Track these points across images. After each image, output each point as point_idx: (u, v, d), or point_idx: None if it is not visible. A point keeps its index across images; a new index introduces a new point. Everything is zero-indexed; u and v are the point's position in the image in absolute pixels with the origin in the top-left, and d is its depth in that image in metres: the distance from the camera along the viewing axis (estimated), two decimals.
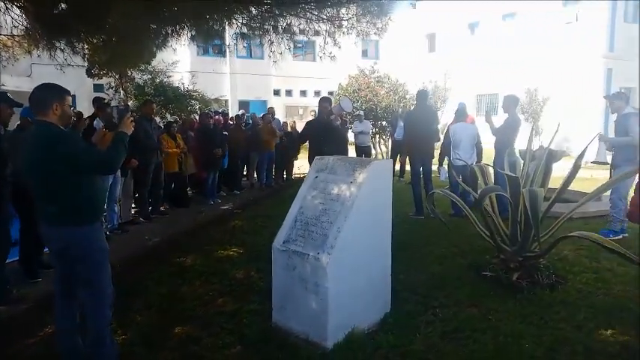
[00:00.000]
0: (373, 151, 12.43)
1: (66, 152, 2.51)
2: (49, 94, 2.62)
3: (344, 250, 3.09)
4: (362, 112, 11.61)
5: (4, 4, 6.18)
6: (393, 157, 11.14)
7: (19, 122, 4.42)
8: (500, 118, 6.91)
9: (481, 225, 4.58)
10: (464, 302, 3.79)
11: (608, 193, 5.55)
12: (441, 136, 8.91)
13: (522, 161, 5.01)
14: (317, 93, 25.48)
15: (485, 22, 21.11)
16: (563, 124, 5.35)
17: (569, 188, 4.58)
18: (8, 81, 19.49)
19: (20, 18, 6.74)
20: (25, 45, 7.70)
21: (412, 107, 7.17)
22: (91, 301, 2.67)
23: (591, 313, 3.56)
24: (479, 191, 4.69)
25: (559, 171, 5.61)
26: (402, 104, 12.77)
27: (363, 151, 11.27)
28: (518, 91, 15.81)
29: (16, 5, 6.30)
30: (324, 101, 5.69)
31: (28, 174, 2.65)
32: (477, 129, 7.36)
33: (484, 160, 8.54)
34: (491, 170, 5.25)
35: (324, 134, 5.30)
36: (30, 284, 4.23)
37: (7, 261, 4.06)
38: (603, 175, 8.39)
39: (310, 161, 5.88)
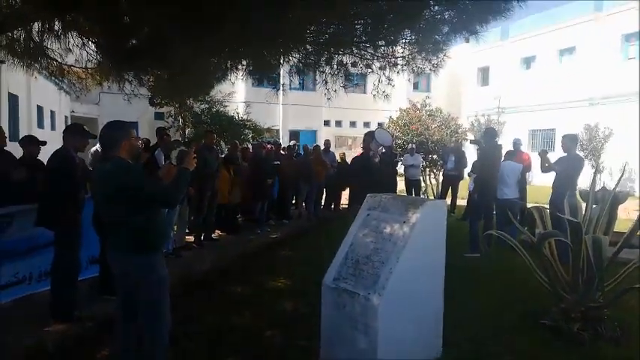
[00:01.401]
0: (423, 185, 12.26)
1: (131, 185, 2.67)
2: (118, 133, 2.84)
3: (395, 291, 3.04)
4: (413, 146, 11.54)
5: (82, 39, 6.70)
6: (444, 191, 10.95)
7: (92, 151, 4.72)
8: (556, 155, 6.74)
9: (539, 270, 4.38)
10: (520, 352, 3.61)
11: None
12: None
13: (583, 203, 4.79)
14: (366, 124, 25.64)
15: (542, 56, 20.64)
16: (627, 163, 5.09)
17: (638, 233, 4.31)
18: (78, 108, 21.01)
19: (94, 52, 7.29)
20: (97, 77, 8.27)
21: (481, 145, 7.11)
22: (149, 326, 2.78)
23: None
24: (536, 234, 4.52)
25: (622, 212, 5.30)
26: (453, 138, 12.60)
27: (413, 184, 11.15)
28: (576, 127, 15.38)
29: (91, 41, 6.81)
30: (367, 136, 5.70)
31: (99, 203, 2.84)
32: (522, 166, 7.37)
33: (539, 199, 8.28)
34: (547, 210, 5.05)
35: (364, 171, 5.30)
36: (101, 302, 4.35)
37: (87, 277, 4.28)
38: None
39: (351, 198, 5.92)
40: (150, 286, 2.76)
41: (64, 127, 19.15)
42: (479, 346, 3.68)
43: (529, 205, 5.66)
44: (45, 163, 4.87)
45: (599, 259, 3.50)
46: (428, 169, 12.96)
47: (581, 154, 12.59)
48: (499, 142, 7.29)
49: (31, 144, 5.13)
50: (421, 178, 11.92)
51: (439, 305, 3.49)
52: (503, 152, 7.39)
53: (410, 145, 11.75)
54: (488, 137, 7.05)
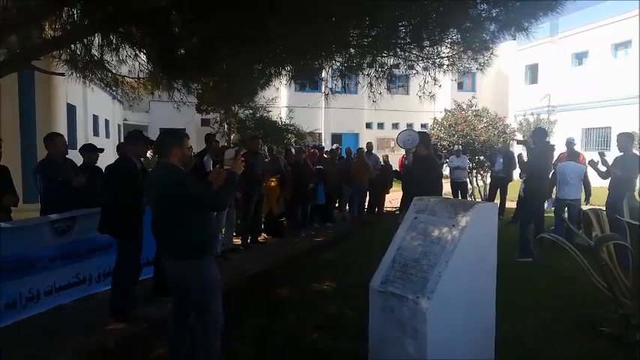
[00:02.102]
0: (469, 187, 11.96)
1: (180, 190, 2.77)
2: (171, 139, 2.96)
3: (445, 295, 2.99)
4: (459, 147, 11.30)
5: (134, 50, 7.00)
6: (492, 193, 10.64)
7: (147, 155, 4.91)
8: (613, 155, 6.43)
9: (596, 274, 4.17)
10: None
11: None
12: None
13: None
14: (409, 126, 25.34)
15: (595, 52, 19.68)
16: None
17: None
18: (130, 116, 21.99)
19: (145, 63, 7.61)
20: (149, 86, 8.62)
21: (530, 146, 6.91)
22: (201, 328, 2.86)
23: None
24: (593, 237, 4.32)
25: None
26: (501, 139, 12.23)
27: (458, 186, 10.91)
28: (633, 125, 14.53)
29: (143, 52, 7.11)
30: (423, 136, 5.60)
31: (153, 209, 2.96)
32: (584, 168, 7.37)
33: (594, 201, 7.91)
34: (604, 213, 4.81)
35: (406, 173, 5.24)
36: (157, 302, 4.54)
37: (142, 279, 4.49)
38: None
39: (406, 201, 5.84)
40: (202, 288, 2.85)
41: (117, 135, 20.12)
42: (533, 353, 3.56)
43: (585, 208, 5.40)
44: (104, 170, 5.14)
45: None
46: (474, 171, 12.65)
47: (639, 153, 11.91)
48: (551, 142, 7.05)
49: (91, 151, 5.43)
50: (467, 180, 11.64)
51: (491, 310, 3.40)
52: (556, 153, 7.17)
53: (456, 146, 11.51)
54: (538, 137, 6.81)
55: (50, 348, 3.56)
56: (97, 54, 5.70)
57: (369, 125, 27.00)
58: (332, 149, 11.08)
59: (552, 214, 8.42)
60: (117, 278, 4.17)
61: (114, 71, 6.72)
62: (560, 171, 7.40)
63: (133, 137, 4.34)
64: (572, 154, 7.99)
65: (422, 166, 5.34)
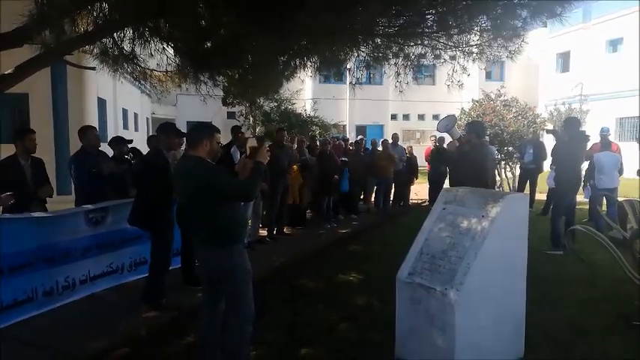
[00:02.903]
0: (498, 178, 11.73)
1: (210, 182, 2.80)
2: (202, 132, 2.99)
3: (473, 287, 2.95)
4: (488, 138, 11.07)
5: (162, 44, 7.09)
6: (522, 184, 10.40)
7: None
8: None
9: (631, 267, 4.04)
10: (611, 356, 3.36)
11: None
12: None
13: None
14: (435, 117, 24.99)
15: (630, 38, 18.90)
16: None
17: None
18: (158, 110, 22.38)
19: (173, 56, 7.71)
20: (176, 79, 8.73)
21: (562, 136, 6.75)
22: (232, 316, 2.92)
23: None
24: (628, 229, 4.18)
25: None
26: (531, 129, 11.92)
27: None
28: None
29: (170, 46, 7.20)
30: (471, 125, 5.53)
31: (181, 200, 3.01)
32: (620, 158, 7.54)
33: (629, 192, 7.69)
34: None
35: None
36: (186, 292, 4.66)
37: (171, 268, 4.57)
38: None
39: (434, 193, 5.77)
40: (233, 277, 2.90)
41: (145, 129, 20.48)
42: (565, 348, 3.48)
43: (620, 199, 5.24)
44: (134, 162, 5.24)
45: None
46: (503, 162, 12.39)
47: None
48: (586, 133, 6.84)
49: (121, 143, 5.56)
50: (496, 171, 11.41)
51: (521, 303, 3.34)
52: (590, 144, 7.00)
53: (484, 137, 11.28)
54: (570, 127, 6.61)
55: (86, 334, 3.67)
56: (126, 48, 5.80)
57: (394, 117, 26.75)
58: (356, 141, 11.02)
59: (587, 206, 8.27)
60: (151, 267, 4.28)
61: (142, 65, 6.83)
62: (597, 160, 7.50)
63: (167, 130, 4.29)
64: (605, 145, 7.96)
65: (471, 157, 5.15)
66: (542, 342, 3.55)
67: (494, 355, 3.09)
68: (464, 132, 5.63)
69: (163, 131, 4.30)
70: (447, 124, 5.40)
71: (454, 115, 6.23)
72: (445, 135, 5.90)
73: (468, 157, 5.18)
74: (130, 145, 5.69)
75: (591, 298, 4.53)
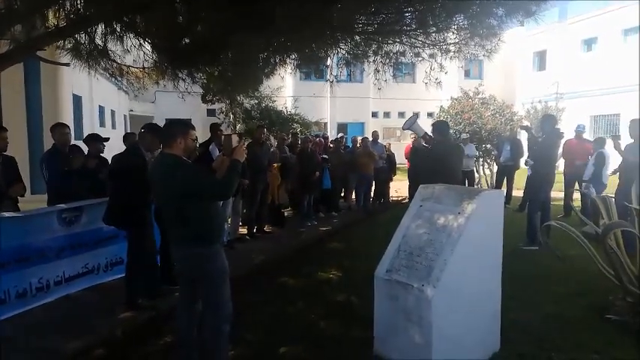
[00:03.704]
0: (477, 175, 11.89)
1: (185, 181, 2.76)
2: (176, 129, 2.93)
3: (450, 283, 2.98)
4: (467, 135, 11.20)
5: (139, 40, 6.96)
6: (499, 181, 10.57)
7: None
8: (623, 143, 6.39)
9: (604, 262, 4.14)
10: (584, 348, 3.44)
11: None
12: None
13: None
14: (415, 114, 25.14)
15: (604, 37, 19.34)
16: None
17: None
18: (136, 107, 21.99)
19: (150, 53, 7.58)
20: (154, 76, 8.59)
21: (539, 133, 6.92)
22: (210, 316, 2.88)
23: None
24: (601, 225, 4.28)
25: None
26: (508, 127, 12.12)
27: (466, 175, 10.82)
28: None
29: (147, 42, 7.07)
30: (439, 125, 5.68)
31: (158, 200, 2.96)
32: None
33: (608, 190, 7.86)
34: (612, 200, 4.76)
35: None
36: (164, 291, 4.51)
37: None
38: None
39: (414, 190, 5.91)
40: (210, 276, 2.86)
41: (123, 126, 20.07)
42: (540, 341, 3.55)
43: (593, 196, 5.36)
44: (110, 161, 5.13)
45: None
46: (481, 160, 12.57)
47: None
48: (560, 130, 6.97)
49: (96, 141, 5.44)
50: (474, 168, 11.56)
51: (496, 298, 3.39)
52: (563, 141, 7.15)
53: (462, 134, 11.42)
54: (546, 124, 6.73)
55: (62, 335, 3.60)
56: (100, 43, 5.68)
57: (374, 114, 26.83)
58: (336, 138, 11.03)
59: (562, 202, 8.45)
60: (127, 267, 4.21)
61: (118, 61, 6.70)
62: (607, 155, 7.84)
63: (155, 129, 4.19)
64: (599, 142, 8.25)
65: (434, 153, 5.40)
66: (517, 335, 3.61)
67: (470, 350, 3.13)
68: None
69: (151, 130, 4.23)
70: (410, 122, 5.75)
71: (416, 115, 6.54)
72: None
73: (432, 153, 5.49)
74: (104, 144, 5.57)
75: (566, 292, 4.62)
